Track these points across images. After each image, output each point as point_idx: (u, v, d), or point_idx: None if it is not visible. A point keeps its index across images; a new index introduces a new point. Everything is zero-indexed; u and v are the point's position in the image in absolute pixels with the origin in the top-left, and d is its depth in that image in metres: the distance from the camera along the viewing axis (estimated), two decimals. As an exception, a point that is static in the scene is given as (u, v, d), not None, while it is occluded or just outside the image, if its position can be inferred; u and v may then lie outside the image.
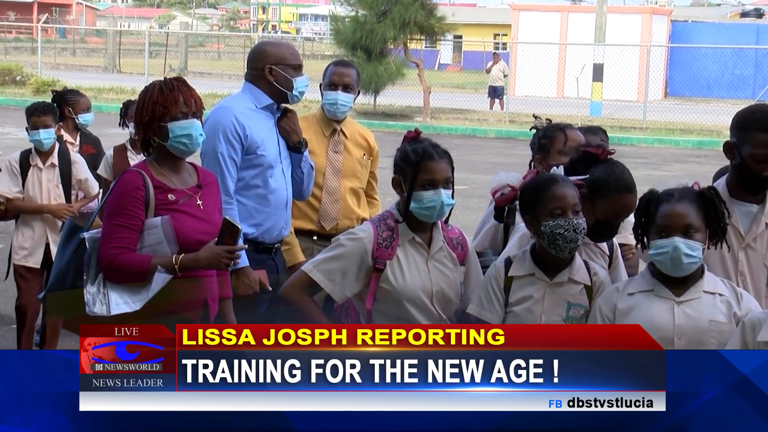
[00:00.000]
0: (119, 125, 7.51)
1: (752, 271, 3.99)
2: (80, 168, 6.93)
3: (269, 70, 4.96)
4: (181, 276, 3.93)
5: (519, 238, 4.14)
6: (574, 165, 4.05)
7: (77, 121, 7.70)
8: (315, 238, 5.60)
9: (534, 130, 4.78)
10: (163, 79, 4.13)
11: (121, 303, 3.88)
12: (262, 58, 5.02)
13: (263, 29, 70.12)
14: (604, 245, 4.16)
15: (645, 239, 3.76)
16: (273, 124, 5.05)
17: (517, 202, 4.04)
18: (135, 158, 7.26)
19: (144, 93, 4.09)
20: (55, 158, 6.81)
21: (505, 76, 29.79)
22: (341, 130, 5.69)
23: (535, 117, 4.83)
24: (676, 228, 3.64)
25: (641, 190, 3.88)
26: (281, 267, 5.18)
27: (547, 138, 4.62)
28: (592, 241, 4.08)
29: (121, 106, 7.55)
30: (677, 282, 3.70)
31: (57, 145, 6.87)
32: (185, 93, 4.06)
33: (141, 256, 3.93)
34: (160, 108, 4.01)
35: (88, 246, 3.98)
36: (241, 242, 4.05)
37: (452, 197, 3.96)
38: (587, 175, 4.02)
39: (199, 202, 4.10)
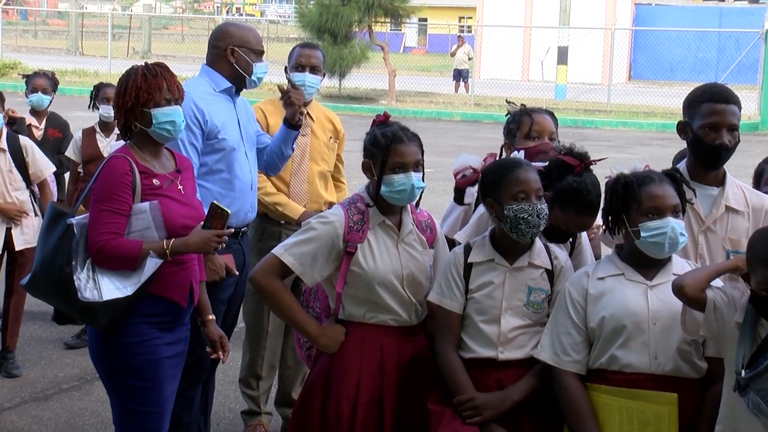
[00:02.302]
0: (89, 108, 7.47)
1: (711, 254, 3.97)
2: (30, 151, 6.78)
3: (231, 51, 4.92)
4: (171, 260, 3.93)
5: (478, 218, 4.14)
6: (548, 172, 3.97)
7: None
8: (283, 222, 5.60)
9: (508, 116, 4.78)
10: (144, 64, 4.09)
11: (112, 288, 3.86)
12: (226, 38, 4.97)
13: (227, 12, 69.58)
14: None
15: (624, 223, 3.67)
16: (232, 107, 5.00)
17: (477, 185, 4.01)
18: (104, 141, 7.25)
19: (126, 78, 4.05)
20: (3, 143, 6.66)
21: (470, 59, 29.86)
22: (307, 113, 5.64)
23: (508, 102, 4.81)
24: (667, 209, 3.61)
25: (604, 172, 3.86)
26: (248, 251, 5.18)
27: (515, 123, 4.62)
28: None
29: (93, 88, 7.52)
30: (647, 266, 3.67)
31: (5, 131, 6.72)
32: (168, 79, 4.04)
33: (132, 242, 3.91)
34: (144, 94, 3.98)
35: (76, 232, 3.93)
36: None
37: (422, 180, 3.95)
38: (546, 162, 4.02)
39: (180, 186, 4.09)
